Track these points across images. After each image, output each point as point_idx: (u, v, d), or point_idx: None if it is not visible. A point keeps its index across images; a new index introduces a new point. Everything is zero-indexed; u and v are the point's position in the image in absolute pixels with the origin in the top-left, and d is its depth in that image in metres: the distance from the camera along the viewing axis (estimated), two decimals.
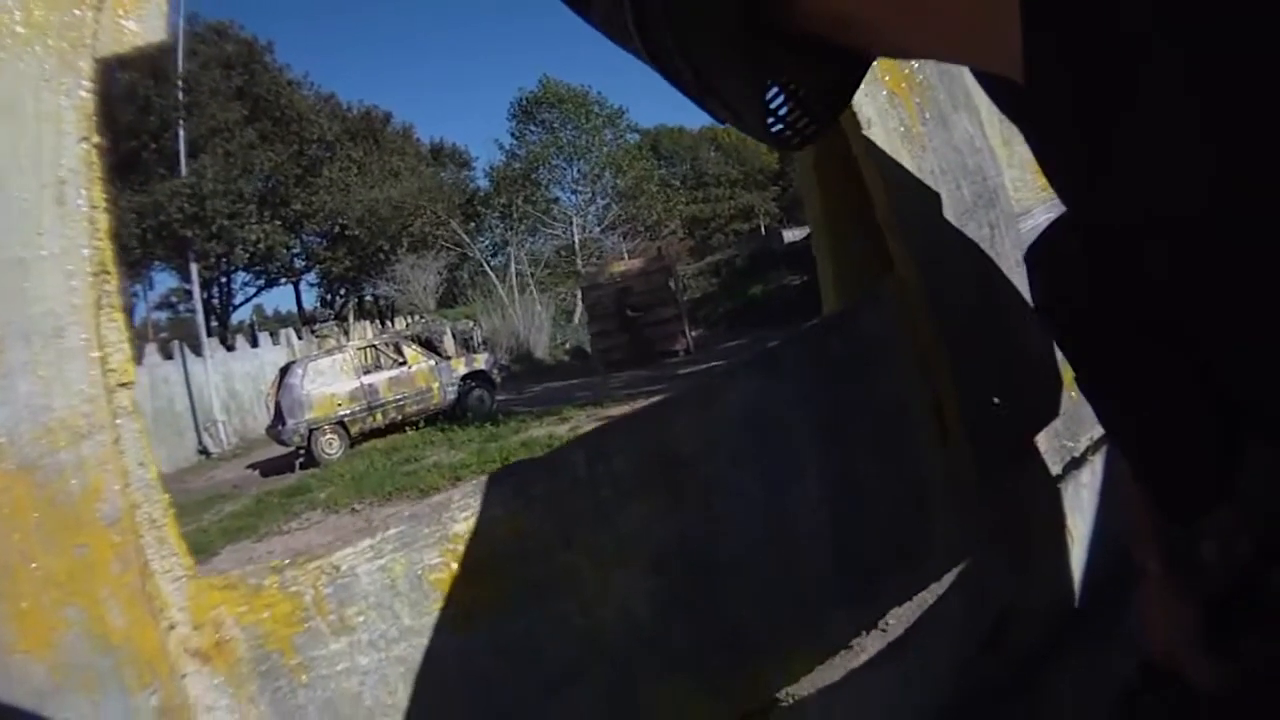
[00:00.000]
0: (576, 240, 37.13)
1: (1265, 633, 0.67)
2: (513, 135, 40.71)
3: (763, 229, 43.61)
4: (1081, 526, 1.64)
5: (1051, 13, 0.40)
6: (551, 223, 38.03)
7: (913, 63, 1.35)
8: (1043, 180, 1.67)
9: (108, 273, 0.82)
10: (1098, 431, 1.68)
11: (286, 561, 0.85)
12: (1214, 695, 0.71)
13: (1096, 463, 1.68)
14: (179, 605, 0.81)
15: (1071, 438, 1.61)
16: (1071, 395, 1.58)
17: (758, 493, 1.09)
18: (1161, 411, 0.71)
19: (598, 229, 38.72)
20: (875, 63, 1.29)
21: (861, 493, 1.20)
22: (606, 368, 23.75)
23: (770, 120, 0.54)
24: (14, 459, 0.74)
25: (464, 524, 0.89)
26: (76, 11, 0.82)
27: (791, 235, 34.39)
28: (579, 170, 39.61)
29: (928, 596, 1.29)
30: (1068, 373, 1.56)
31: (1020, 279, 1.45)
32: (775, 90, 0.53)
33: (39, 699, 0.73)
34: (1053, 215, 1.61)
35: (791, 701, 1.11)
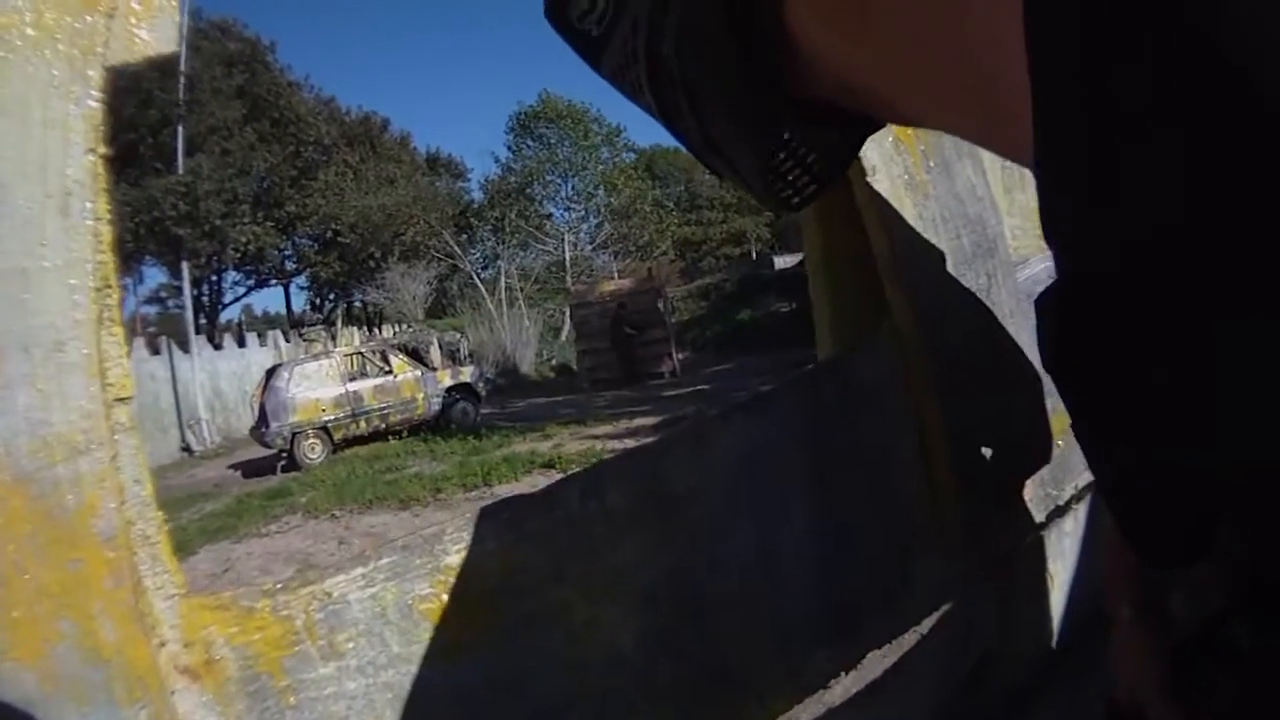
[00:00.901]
0: (567, 257, 37.18)
1: (1226, 684, 0.69)
2: (509, 149, 40.84)
3: (754, 254, 43.78)
4: (1063, 573, 1.66)
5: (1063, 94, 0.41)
6: (543, 238, 38.08)
7: None
8: (1039, 229, 1.69)
9: (110, 287, 0.82)
10: (1082, 480, 1.69)
11: (279, 585, 0.85)
12: None
13: (1080, 511, 1.70)
14: (170, 623, 0.81)
15: (1056, 486, 1.62)
16: (1059, 444, 1.60)
17: (747, 533, 1.10)
18: (1149, 463, 0.72)
19: (589, 247, 38.80)
20: None
21: (848, 536, 1.21)
22: (592, 386, 23.77)
23: (771, 178, 0.55)
24: (10, 471, 0.74)
25: (456, 556, 0.89)
26: (89, 17, 0.81)
27: (783, 262, 34.52)
28: (573, 187, 39.74)
29: (910, 638, 1.30)
30: (1055, 422, 1.58)
31: (1015, 328, 1.46)
32: (779, 149, 0.54)
33: (29, 707, 0.73)
34: (1050, 264, 1.63)
35: None
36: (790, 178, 0.54)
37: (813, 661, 1.16)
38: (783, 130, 0.53)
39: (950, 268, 1.36)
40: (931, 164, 1.37)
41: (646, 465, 1.02)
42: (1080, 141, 0.43)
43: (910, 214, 1.31)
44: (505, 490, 11.92)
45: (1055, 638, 1.65)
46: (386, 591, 0.87)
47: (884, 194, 1.28)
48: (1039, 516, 1.58)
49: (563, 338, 29.85)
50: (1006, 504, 1.47)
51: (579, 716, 0.96)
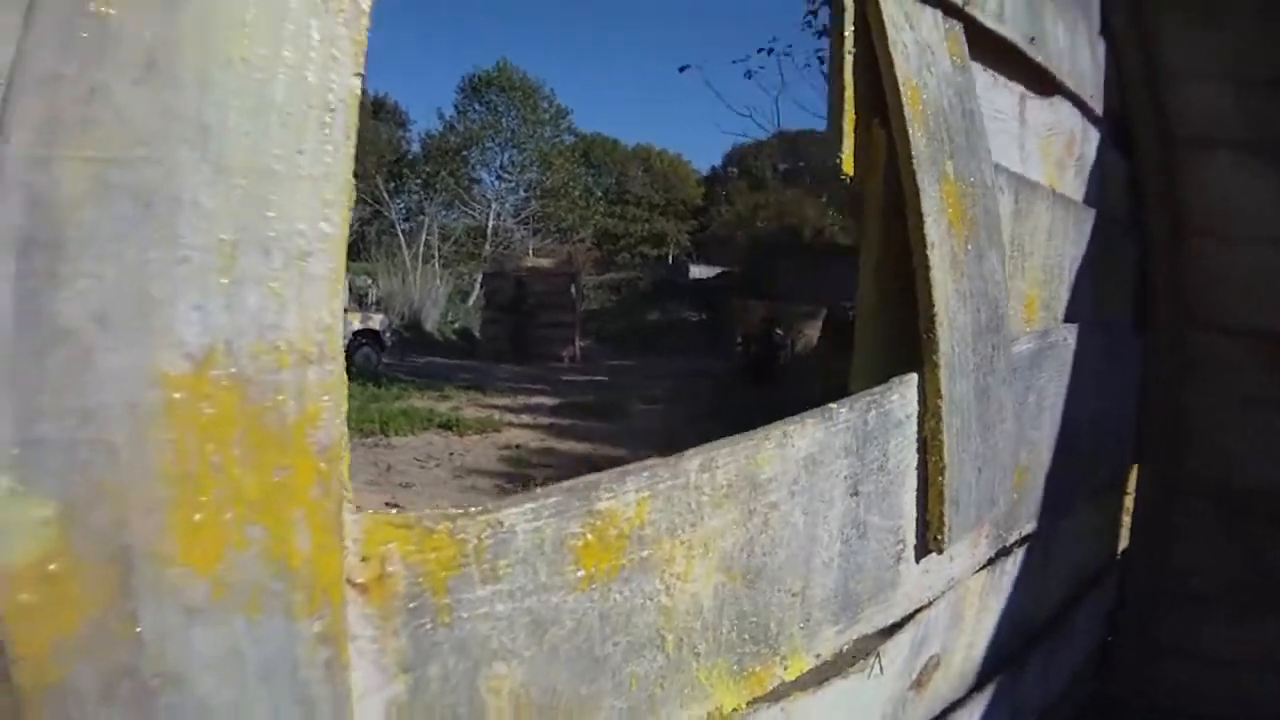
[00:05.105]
0: (490, 225, 36.90)
1: None
2: (456, 108, 40.27)
3: (670, 258, 44.23)
4: (996, 605, 1.96)
5: None
6: (470, 202, 37.70)
7: (967, 199, 1.63)
8: (1027, 313, 1.99)
9: (349, 210, 0.83)
10: (1026, 530, 2.01)
11: (459, 511, 0.93)
12: None
13: (1019, 555, 2.01)
14: (354, 537, 0.83)
15: (1006, 530, 1.92)
16: (1014, 495, 1.89)
17: (798, 521, 1.33)
18: None
19: (512, 220, 38.61)
20: (943, 190, 1.57)
21: (863, 537, 1.46)
22: (492, 356, 23.71)
23: None
24: (227, 368, 0.73)
25: (606, 503, 1.05)
26: None
27: (697, 271, 34.93)
28: (509, 158, 39.47)
29: (890, 633, 1.56)
30: (1016, 476, 1.87)
31: (1005, 394, 1.75)
32: None
33: (186, 615, 0.72)
34: (1031, 345, 1.92)
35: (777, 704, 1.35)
36: None
37: (824, 635, 1.41)
38: None
39: (969, 335, 1.63)
40: (969, 248, 1.64)
41: (748, 449, 1.23)
42: None
43: (950, 286, 1.57)
44: (401, 442, 11.97)
45: (982, 658, 1.95)
46: (547, 526, 0.99)
47: (935, 265, 1.53)
48: (990, 553, 1.87)
49: (470, 303, 29.63)
50: (971, 535, 1.76)
51: (660, 652, 1.16)
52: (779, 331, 14.89)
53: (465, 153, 37.92)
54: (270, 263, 0.75)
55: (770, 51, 20.63)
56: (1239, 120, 2.46)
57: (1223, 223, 2.53)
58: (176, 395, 0.71)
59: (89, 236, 0.68)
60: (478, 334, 26.31)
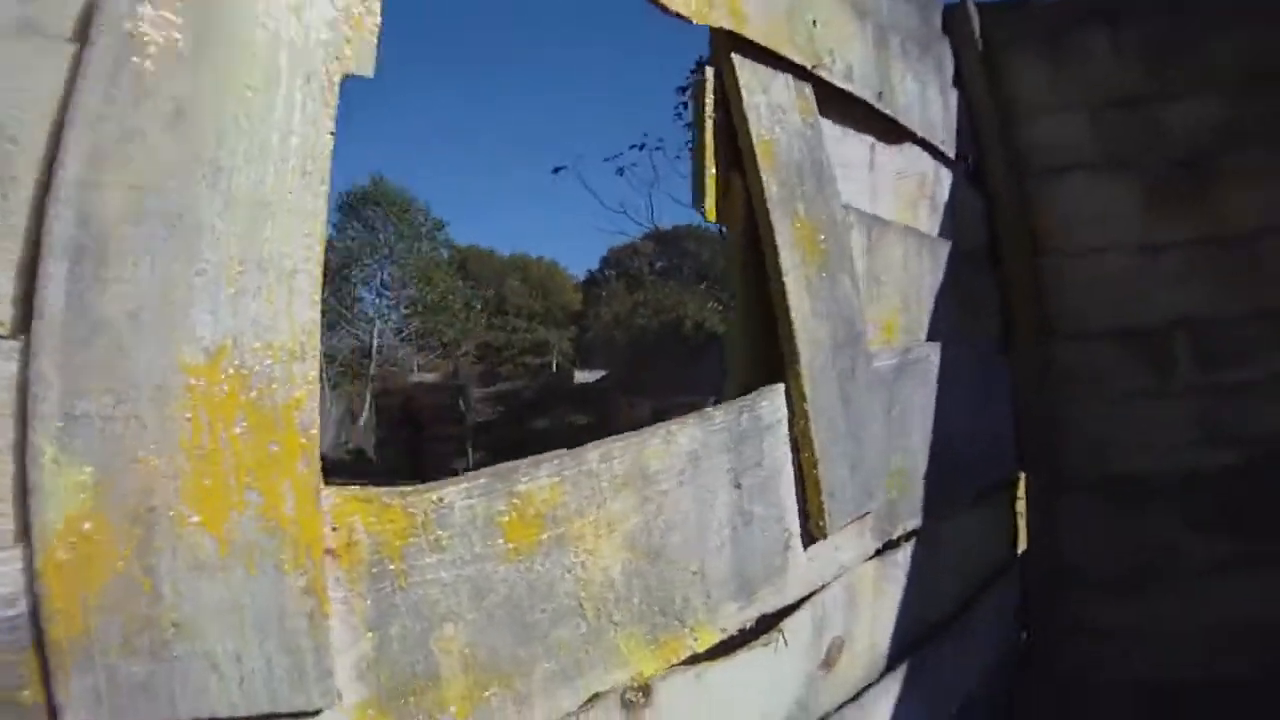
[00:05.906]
0: (374, 344, 36.48)
1: None
2: (336, 227, 39.87)
3: (554, 366, 44.31)
4: (896, 593, 2.16)
5: None
6: (354, 321, 37.23)
7: (819, 234, 1.89)
8: (887, 335, 2.24)
9: (324, 241, 1.05)
10: (910, 526, 2.22)
11: (410, 488, 1.12)
12: None
13: (908, 549, 2.21)
14: (327, 509, 1.01)
15: (890, 524, 2.13)
16: (892, 495, 2.11)
17: (689, 508, 1.50)
18: None
19: (396, 337, 38.24)
20: (794, 226, 1.81)
21: (749, 524, 1.64)
22: (386, 475, 23.17)
23: None
24: (234, 362, 0.93)
25: (524, 485, 1.22)
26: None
27: (583, 376, 35.01)
28: (388, 274, 39.27)
29: (788, 612, 1.73)
30: (889, 480, 2.09)
31: (868, 401, 1.98)
32: None
33: (198, 570, 0.88)
34: (892, 361, 2.16)
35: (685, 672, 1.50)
36: None
37: (726, 612, 1.57)
38: None
39: (828, 349, 1.86)
40: (823, 274, 1.89)
41: (637, 444, 1.41)
42: None
43: (806, 306, 1.81)
44: None
45: (888, 642, 2.13)
46: (479, 504, 1.17)
47: (790, 287, 1.77)
48: (877, 544, 2.08)
49: (361, 423, 29.04)
50: (855, 526, 1.96)
51: (583, 620, 1.31)
52: None
53: (347, 270, 37.44)
54: (266, 278, 0.97)
55: (642, 147, 21.08)
56: (1093, 143, 2.84)
57: (1078, 239, 2.89)
58: (194, 381, 0.91)
59: (127, 248, 0.88)
60: (371, 454, 25.75)
